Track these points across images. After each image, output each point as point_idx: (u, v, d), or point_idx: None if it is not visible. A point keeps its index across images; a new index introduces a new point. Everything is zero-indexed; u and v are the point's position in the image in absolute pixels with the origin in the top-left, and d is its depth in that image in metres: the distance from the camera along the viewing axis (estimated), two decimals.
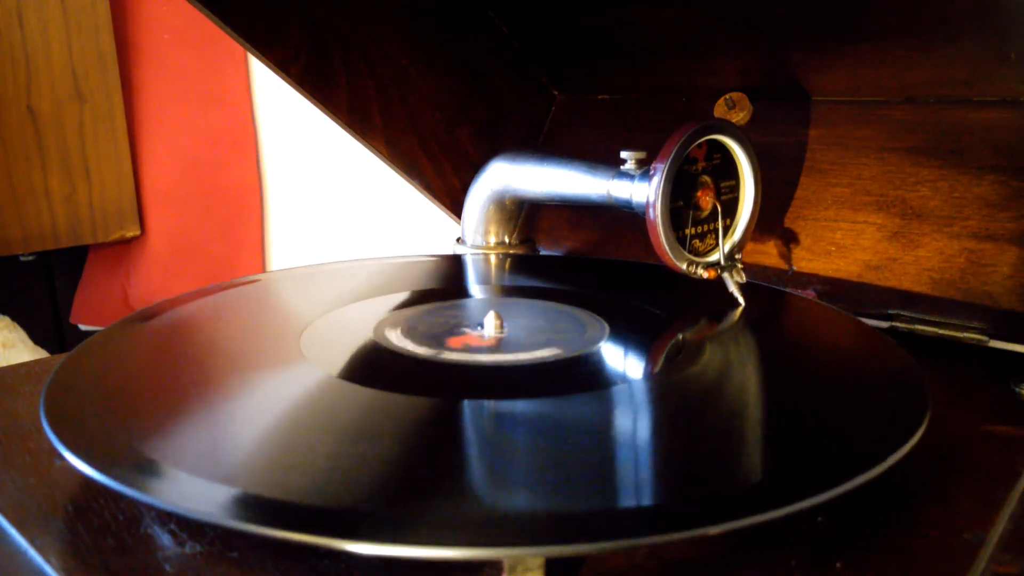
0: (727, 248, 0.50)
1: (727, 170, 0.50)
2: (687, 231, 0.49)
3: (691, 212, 0.48)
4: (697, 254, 0.49)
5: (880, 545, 0.28)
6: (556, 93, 0.72)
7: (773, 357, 0.42)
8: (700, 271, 0.48)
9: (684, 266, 0.48)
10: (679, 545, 0.28)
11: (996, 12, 0.45)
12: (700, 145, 0.48)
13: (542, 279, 0.55)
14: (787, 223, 0.56)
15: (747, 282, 0.49)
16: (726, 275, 0.48)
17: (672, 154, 0.46)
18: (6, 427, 0.37)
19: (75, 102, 1.00)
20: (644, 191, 0.47)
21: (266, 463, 0.29)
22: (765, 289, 0.52)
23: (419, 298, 0.50)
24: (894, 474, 0.28)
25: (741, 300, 0.47)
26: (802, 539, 0.28)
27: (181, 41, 1.04)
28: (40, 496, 0.31)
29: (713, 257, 0.49)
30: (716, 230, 0.50)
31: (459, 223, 0.64)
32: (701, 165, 0.49)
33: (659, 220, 0.46)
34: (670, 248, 0.47)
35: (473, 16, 0.66)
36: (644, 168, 0.49)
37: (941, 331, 0.48)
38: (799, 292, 0.54)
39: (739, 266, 0.49)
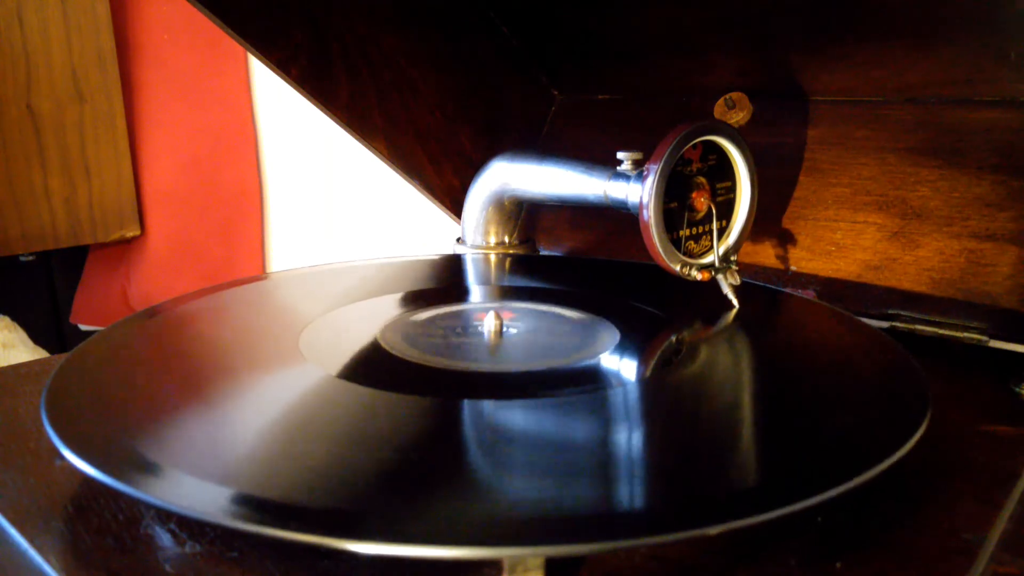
0: (722, 250, 0.50)
1: (723, 171, 0.50)
2: (682, 232, 0.48)
3: (686, 213, 0.48)
4: (692, 256, 0.49)
5: (880, 545, 0.28)
6: (556, 93, 0.72)
7: (773, 357, 0.42)
8: (694, 273, 0.48)
9: (678, 268, 0.48)
10: (678, 545, 0.28)
11: (996, 12, 0.45)
12: (695, 146, 0.48)
13: (542, 279, 0.55)
14: (787, 223, 0.56)
15: (744, 283, 0.49)
16: (720, 277, 0.48)
17: (665, 155, 0.45)
18: (6, 427, 0.37)
19: (75, 102, 1.00)
20: (639, 192, 0.47)
21: (266, 463, 0.29)
22: (764, 289, 0.52)
23: (419, 298, 0.50)
24: (894, 474, 0.28)
25: (735, 302, 0.47)
26: (802, 539, 0.28)
27: (181, 41, 1.04)
28: (40, 496, 0.31)
29: (708, 259, 0.49)
30: (711, 232, 0.49)
31: (459, 223, 0.64)
32: (696, 166, 0.48)
33: (652, 221, 0.46)
34: (663, 249, 0.47)
35: (473, 16, 0.66)
36: (640, 169, 0.49)
37: (941, 331, 0.48)
38: (799, 292, 0.54)
39: (734, 268, 0.49)
